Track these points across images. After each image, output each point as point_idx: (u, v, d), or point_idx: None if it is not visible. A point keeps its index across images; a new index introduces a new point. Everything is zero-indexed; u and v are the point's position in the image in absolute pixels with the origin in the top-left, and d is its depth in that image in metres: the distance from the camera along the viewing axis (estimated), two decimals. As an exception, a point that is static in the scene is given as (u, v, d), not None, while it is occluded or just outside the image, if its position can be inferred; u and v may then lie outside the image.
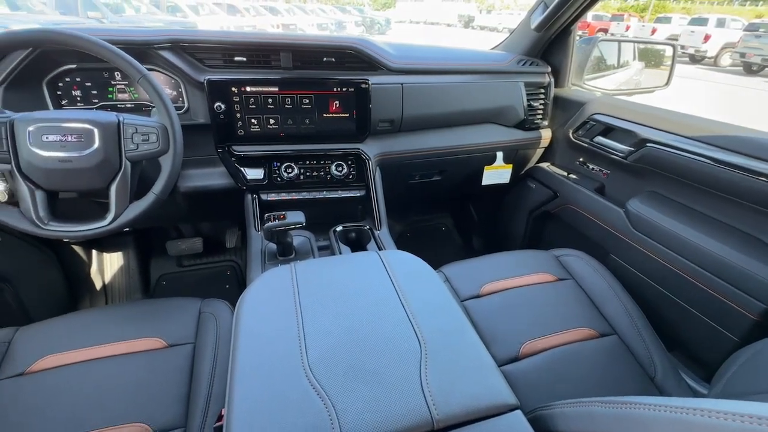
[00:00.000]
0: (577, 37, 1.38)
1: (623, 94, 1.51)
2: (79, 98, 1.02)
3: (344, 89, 1.10)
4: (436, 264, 0.73)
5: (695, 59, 11.84)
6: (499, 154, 1.43)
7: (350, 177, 1.19)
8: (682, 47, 11.67)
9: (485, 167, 1.45)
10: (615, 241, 1.18)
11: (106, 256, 1.57)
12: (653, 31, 14.09)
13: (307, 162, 1.17)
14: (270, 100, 1.07)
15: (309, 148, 1.16)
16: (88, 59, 0.93)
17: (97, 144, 0.79)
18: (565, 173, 1.42)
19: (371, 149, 1.21)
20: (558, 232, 1.53)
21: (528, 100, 1.37)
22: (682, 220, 1.00)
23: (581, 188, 1.31)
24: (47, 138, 0.77)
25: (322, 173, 1.17)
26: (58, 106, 1.00)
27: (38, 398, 0.69)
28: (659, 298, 1.06)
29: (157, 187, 0.85)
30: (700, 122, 0.99)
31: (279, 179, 1.14)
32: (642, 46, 1.79)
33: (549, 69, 1.40)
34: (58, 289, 1.36)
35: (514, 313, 0.93)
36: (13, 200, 0.96)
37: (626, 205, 1.14)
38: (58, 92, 1.00)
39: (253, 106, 1.07)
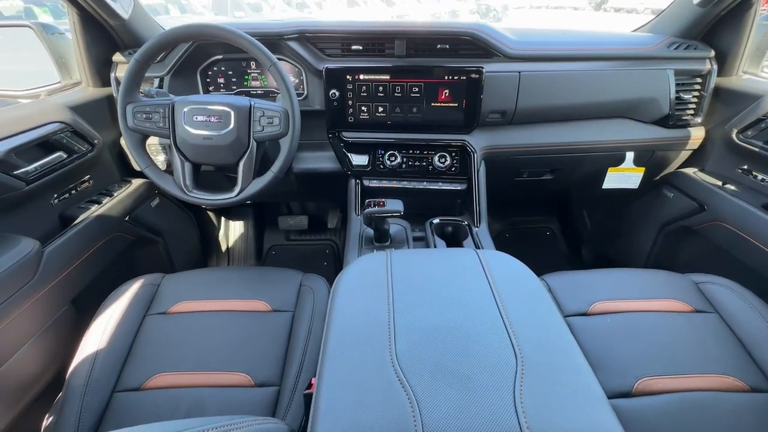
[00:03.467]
0: (760, 13, 1.09)
1: (823, 85, 1.15)
2: (222, 85, 1.18)
3: (455, 77, 1.06)
4: (536, 272, 0.66)
5: None
6: (629, 155, 1.23)
7: (453, 169, 1.15)
8: None
9: (609, 169, 1.26)
10: None
11: (231, 223, 1.82)
12: None
13: (411, 151, 1.17)
14: (380, 89, 1.09)
15: (413, 137, 1.15)
16: (231, 50, 1.08)
17: (232, 125, 0.91)
18: (719, 183, 1.16)
19: (478, 141, 1.15)
20: (700, 254, 1.26)
21: (677, 92, 1.14)
22: None
23: (742, 203, 1.05)
24: (197, 118, 0.91)
25: (424, 163, 1.16)
26: (206, 91, 1.18)
27: (173, 335, 0.84)
28: None
29: (276, 166, 0.95)
30: None
31: (382, 166, 1.17)
32: None
33: (712, 53, 1.14)
34: (194, 247, 1.64)
35: (630, 340, 0.81)
36: (169, 169, 1.18)
37: None
38: (207, 79, 1.17)
39: (364, 94, 1.10)
